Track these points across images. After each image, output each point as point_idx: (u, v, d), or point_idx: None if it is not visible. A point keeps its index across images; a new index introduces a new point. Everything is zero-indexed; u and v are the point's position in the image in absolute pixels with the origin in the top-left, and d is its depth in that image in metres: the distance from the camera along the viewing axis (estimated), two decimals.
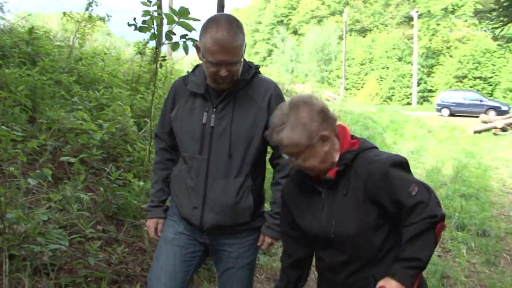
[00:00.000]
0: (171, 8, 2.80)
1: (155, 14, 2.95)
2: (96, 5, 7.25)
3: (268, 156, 2.49)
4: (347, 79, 47.18)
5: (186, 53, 3.12)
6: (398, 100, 44.22)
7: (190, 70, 2.37)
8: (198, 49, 2.16)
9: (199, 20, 2.90)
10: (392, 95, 45.45)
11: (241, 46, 2.07)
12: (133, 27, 3.08)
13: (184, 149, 2.27)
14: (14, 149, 3.34)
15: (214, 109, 2.20)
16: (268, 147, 2.38)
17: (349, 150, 1.87)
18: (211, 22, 2.05)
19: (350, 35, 52.21)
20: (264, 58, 65.22)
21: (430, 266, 4.75)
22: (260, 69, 2.34)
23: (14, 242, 2.94)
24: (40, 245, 2.99)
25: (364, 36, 52.63)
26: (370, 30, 52.76)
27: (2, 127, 3.05)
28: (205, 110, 2.21)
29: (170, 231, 2.37)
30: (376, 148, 1.95)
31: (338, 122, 1.97)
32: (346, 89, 45.17)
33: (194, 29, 2.98)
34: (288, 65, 58.02)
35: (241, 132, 2.20)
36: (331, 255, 1.93)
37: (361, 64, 49.41)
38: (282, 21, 65.44)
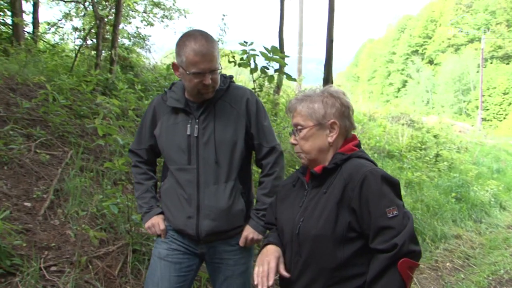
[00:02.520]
0: (265, 47, 3.32)
1: (251, 52, 3.47)
2: (222, 43, 8.19)
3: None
4: (487, 109, 43.94)
5: (280, 84, 3.58)
6: None
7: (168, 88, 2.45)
8: (176, 67, 2.24)
9: (288, 57, 3.36)
10: None
11: (218, 54, 2.19)
12: (233, 63, 3.70)
13: (172, 162, 2.31)
14: None
15: (197, 120, 2.27)
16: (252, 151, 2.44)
17: (344, 152, 1.83)
18: (187, 37, 2.15)
19: (491, 62, 48.73)
20: (399, 89, 63.60)
21: None
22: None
23: (137, 240, 3.62)
24: None
25: (507, 63, 48.68)
26: None
27: None
28: (188, 122, 2.28)
29: (163, 247, 2.38)
30: (375, 164, 1.85)
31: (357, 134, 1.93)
32: (486, 120, 42.04)
33: (286, 64, 3.44)
34: (424, 96, 55.83)
35: (224, 138, 2.27)
36: (290, 255, 1.83)
37: (504, 94, 45.63)
38: (417, 51, 63.49)
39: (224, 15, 8.21)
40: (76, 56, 7.90)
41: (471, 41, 54.76)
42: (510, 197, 10.25)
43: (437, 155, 10.43)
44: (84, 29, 10.17)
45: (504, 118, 44.17)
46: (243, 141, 2.33)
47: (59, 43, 10.87)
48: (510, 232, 7.69)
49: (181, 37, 2.20)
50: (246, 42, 3.44)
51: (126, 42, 10.56)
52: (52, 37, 11.57)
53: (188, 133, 2.27)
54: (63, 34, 11.79)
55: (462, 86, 51.69)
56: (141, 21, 10.74)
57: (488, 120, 43.21)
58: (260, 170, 2.51)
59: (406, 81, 61.89)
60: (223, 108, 2.32)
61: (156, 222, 2.39)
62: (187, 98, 2.32)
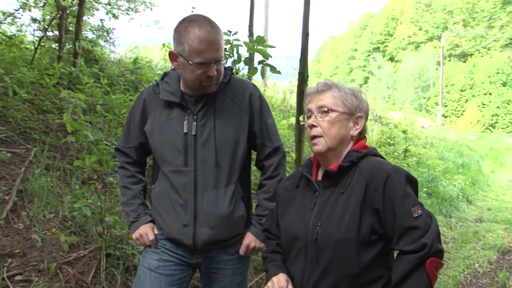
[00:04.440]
0: (249, 37, 3.13)
1: (235, 42, 3.28)
2: None
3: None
4: (446, 106, 45.20)
5: (263, 77, 3.40)
6: (502, 128, 41.33)
7: (159, 78, 2.21)
8: (174, 57, 1.99)
9: (274, 47, 3.19)
10: (496, 123, 42.63)
11: (223, 42, 1.97)
12: None
13: (166, 163, 2.07)
14: (115, 163, 3.83)
15: (195, 117, 2.04)
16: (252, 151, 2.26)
17: (359, 150, 1.74)
18: (189, 23, 1.90)
19: (449, 60, 50.14)
20: (360, 86, 64.62)
21: None
22: None
23: (111, 243, 3.37)
24: (132, 248, 3.40)
25: (464, 61, 50.23)
26: (471, 55, 50.24)
27: (104, 142, 3.55)
28: (184, 118, 2.04)
29: (154, 258, 2.13)
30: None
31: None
32: (445, 117, 43.23)
33: (270, 56, 3.27)
34: (385, 92, 56.93)
35: (226, 137, 2.06)
36: (304, 266, 1.69)
37: (461, 91, 47.06)
38: (378, 48, 64.70)
39: (193, 8, 7.94)
40: (36, 48, 7.44)
41: (431, 39, 56.19)
42: (475, 191, 10.49)
43: (405, 151, 10.53)
44: (44, 20, 9.64)
45: (462, 114, 45.58)
46: (246, 140, 2.13)
47: (16, 35, 10.29)
48: (478, 226, 7.84)
49: (181, 22, 1.94)
50: (230, 32, 3.25)
51: (89, 35, 10.11)
52: (8, 27, 10.96)
53: (185, 130, 2.03)
54: (21, 25, 11.19)
55: (422, 83, 53.00)
56: (106, 13, 10.30)
57: (447, 116, 44.46)
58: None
59: (367, 78, 63.01)
60: (224, 103, 2.09)
61: (145, 232, 2.14)
62: (183, 91, 2.08)
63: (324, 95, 1.77)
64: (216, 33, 1.90)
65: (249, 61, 3.61)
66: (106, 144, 3.49)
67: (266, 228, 2.01)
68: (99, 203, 3.39)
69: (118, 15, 10.47)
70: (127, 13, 10.86)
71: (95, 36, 10.17)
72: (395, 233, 1.57)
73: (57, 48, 7.59)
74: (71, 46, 7.92)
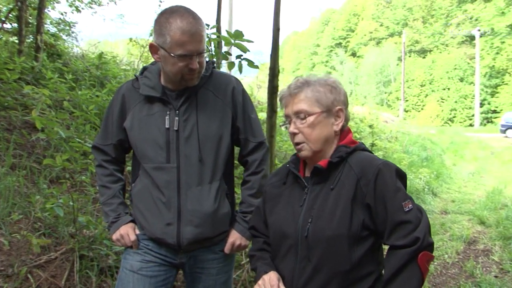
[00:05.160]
0: (227, 31, 3.07)
1: (213, 36, 3.22)
2: None
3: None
4: (406, 100, 46.28)
5: (240, 72, 3.35)
6: (460, 122, 42.74)
7: (138, 73, 2.14)
8: (154, 49, 1.92)
9: (252, 42, 3.13)
10: (454, 117, 44.00)
11: (206, 34, 1.92)
12: None
13: (147, 159, 2.00)
14: (85, 161, 3.69)
15: (177, 111, 1.98)
16: (235, 146, 2.22)
17: (347, 145, 1.72)
18: (171, 14, 1.84)
19: (410, 56, 51.32)
20: None
21: (486, 286, 4.65)
22: None
23: (84, 244, 3.24)
24: (106, 248, 3.28)
25: (424, 57, 51.52)
26: (430, 51, 51.60)
27: (77, 139, 3.41)
28: (166, 114, 1.98)
29: (136, 259, 2.06)
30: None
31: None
32: (406, 111, 44.33)
33: (248, 50, 3.22)
34: (347, 87, 57.75)
35: (209, 132, 2.00)
36: (294, 264, 1.66)
37: (421, 86, 48.24)
38: (340, 43, 65.53)
39: (161, 1, 7.76)
40: None
41: (391, 35, 57.38)
42: (439, 184, 10.77)
43: (372, 145, 10.69)
44: (0, 11, 9.22)
45: (422, 108, 46.75)
46: (229, 136, 2.09)
47: None
48: (444, 218, 8.05)
49: (162, 13, 1.88)
50: (208, 25, 3.18)
51: (50, 28, 9.74)
52: None
53: (167, 126, 1.97)
54: None
55: (383, 78, 54.06)
56: (69, 5, 9.94)
57: (407, 111, 45.55)
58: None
59: (330, 73, 62.93)
60: (206, 98, 2.04)
61: (125, 233, 2.07)
62: (163, 86, 2.02)
63: (298, 97, 1.72)
64: (198, 25, 1.85)
65: (218, 54, 3.55)
66: (79, 142, 3.34)
67: (253, 226, 1.97)
68: (70, 203, 3.25)
69: (81, 8, 10.14)
70: (90, 7, 10.53)
71: (56, 30, 9.82)
72: (387, 228, 1.57)
73: (17, 41, 7.27)
74: (31, 39, 7.62)
